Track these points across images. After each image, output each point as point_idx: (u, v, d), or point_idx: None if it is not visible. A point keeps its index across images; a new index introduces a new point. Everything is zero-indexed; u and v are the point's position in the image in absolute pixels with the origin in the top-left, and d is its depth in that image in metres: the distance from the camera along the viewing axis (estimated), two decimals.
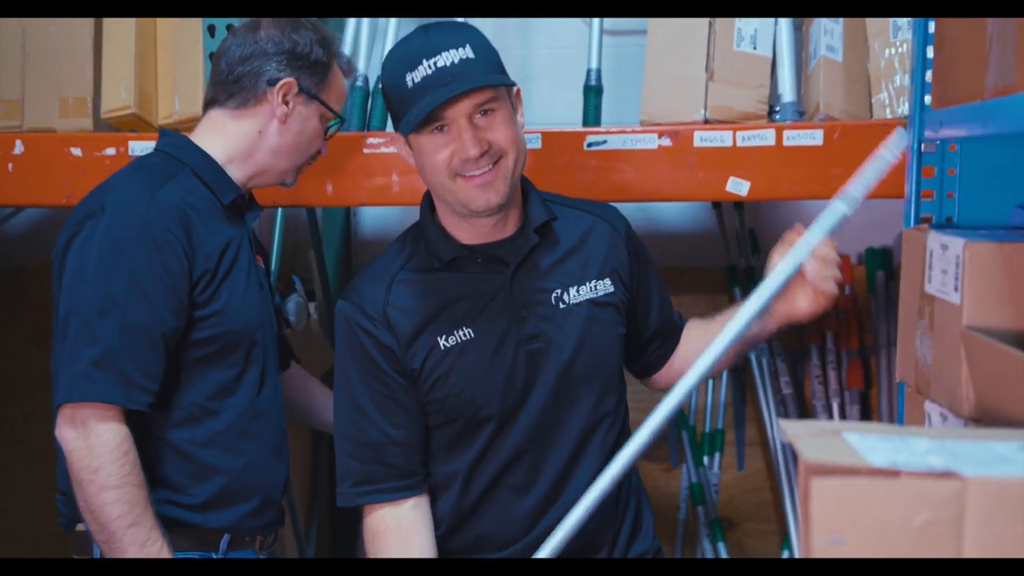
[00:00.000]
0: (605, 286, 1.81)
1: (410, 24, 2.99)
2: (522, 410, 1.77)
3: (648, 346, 1.95)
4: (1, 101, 2.52)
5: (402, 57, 1.67)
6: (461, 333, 1.75)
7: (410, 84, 1.64)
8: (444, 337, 1.75)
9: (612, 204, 1.94)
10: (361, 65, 2.55)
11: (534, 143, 2.28)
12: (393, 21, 2.60)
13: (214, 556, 1.84)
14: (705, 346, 1.49)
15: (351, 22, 2.60)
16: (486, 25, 3.00)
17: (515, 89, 1.74)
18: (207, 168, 1.86)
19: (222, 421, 1.83)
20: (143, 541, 1.68)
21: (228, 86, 1.88)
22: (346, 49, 2.56)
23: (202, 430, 1.82)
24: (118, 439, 1.68)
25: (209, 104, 1.93)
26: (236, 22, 2.28)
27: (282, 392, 2.05)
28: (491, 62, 1.69)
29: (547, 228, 1.79)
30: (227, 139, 1.89)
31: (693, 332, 1.96)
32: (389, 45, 2.57)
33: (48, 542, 2.95)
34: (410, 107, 1.63)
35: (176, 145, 1.89)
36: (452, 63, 1.61)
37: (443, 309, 1.76)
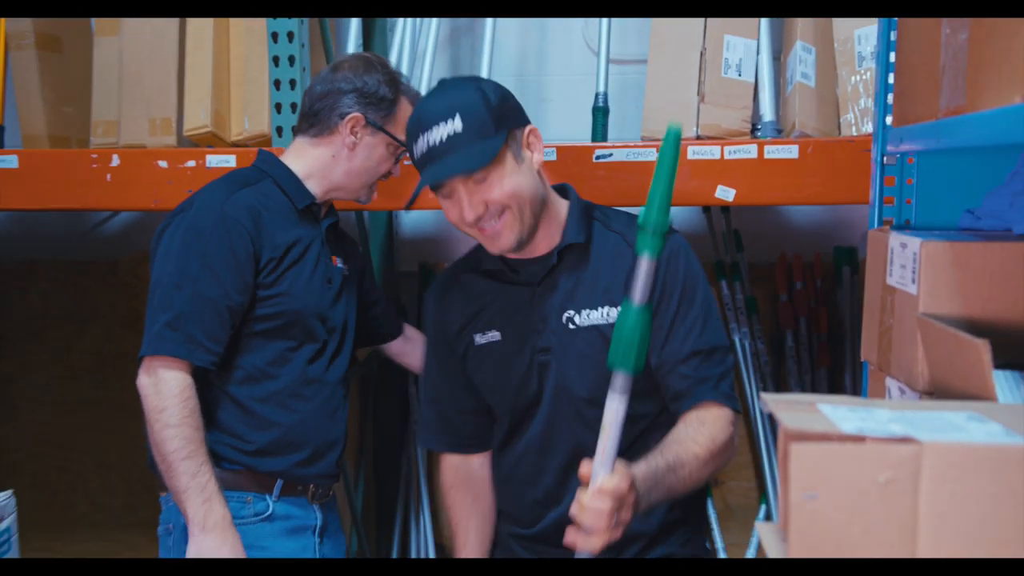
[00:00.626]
0: (613, 315, 1.61)
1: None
2: (534, 413, 1.72)
3: (663, 381, 1.66)
4: (102, 121, 2.55)
5: (410, 126, 1.64)
6: (491, 334, 1.73)
7: (415, 155, 1.61)
8: (479, 335, 1.74)
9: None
10: None
11: (550, 156, 2.28)
12: (431, 49, 2.60)
13: (269, 499, 1.86)
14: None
15: (392, 55, 2.60)
16: (507, 54, 3.04)
17: (526, 130, 1.63)
18: (286, 179, 1.91)
19: (278, 383, 1.87)
20: (194, 472, 1.71)
21: (309, 118, 1.94)
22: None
23: (260, 389, 1.86)
24: (181, 387, 1.74)
25: (296, 132, 2.00)
26: (295, 29, 2.31)
27: (396, 356, 2.31)
28: (480, 129, 1.55)
29: (575, 249, 1.67)
30: (307, 160, 1.94)
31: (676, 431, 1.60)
32: (428, 69, 2.59)
33: (143, 489, 2.99)
34: (420, 174, 1.61)
35: (266, 160, 1.96)
36: (440, 140, 1.54)
37: (481, 310, 1.74)
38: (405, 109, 1.93)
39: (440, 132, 1.53)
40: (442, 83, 1.65)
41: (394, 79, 1.96)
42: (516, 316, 1.70)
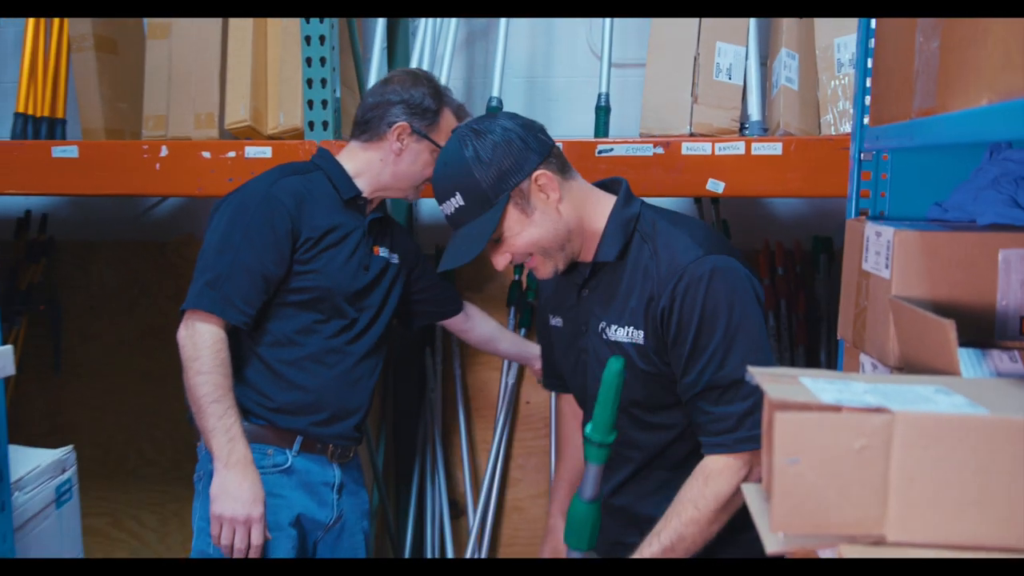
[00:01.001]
0: (636, 336, 1.52)
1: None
2: (584, 396, 1.68)
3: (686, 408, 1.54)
4: (152, 116, 2.55)
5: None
6: (556, 320, 1.72)
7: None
8: (552, 317, 1.73)
9: (691, 266, 1.47)
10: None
11: None
12: (449, 52, 2.58)
13: (289, 453, 1.88)
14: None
15: (413, 57, 2.59)
16: (517, 57, 3.02)
17: (532, 179, 1.51)
18: (337, 173, 1.95)
19: (303, 350, 1.89)
20: (220, 414, 1.74)
21: (362, 125, 1.97)
22: None
23: (286, 352, 1.88)
24: (214, 339, 1.77)
25: (351, 136, 2.02)
26: (326, 33, 2.30)
27: (459, 333, 2.36)
28: (480, 201, 1.49)
29: (606, 265, 1.57)
30: (357, 162, 1.97)
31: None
32: (447, 69, 2.58)
33: (186, 447, 3.00)
34: None
35: (322, 156, 2.00)
36: (451, 213, 1.53)
37: (554, 295, 1.73)
38: (448, 119, 1.96)
39: (448, 208, 1.53)
40: (447, 144, 1.57)
41: (438, 92, 1.98)
42: (570, 308, 1.66)
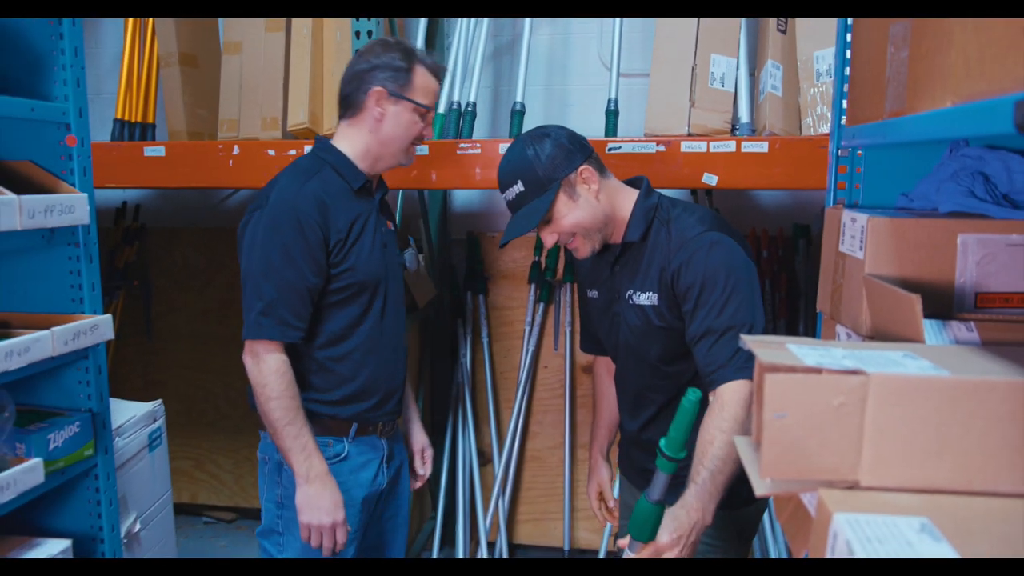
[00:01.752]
0: (652, 299, 1.60)
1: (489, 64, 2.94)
2: (615, 356, 1.75)
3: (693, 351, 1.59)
4: (226, 120, 2.56)
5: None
6: (593, 292, 1.74)
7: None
8: (590, 290, 1.75)
9: (695, 239, 1.55)
10: (456, 94, 2.53)
11: None
12: (479, 63, 2.56)
13: (345, 441, 1.75)
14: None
15: (449, 62, 2.57)
16: (538, 68, 2.99)
17: (577, 173, 1.57)
18: (342, 164, 1.74)
19: (352, 343, 1.73)
20: (295, 435, 1.63)
21: (344, 102, 1.77)
22: (445, 81, 2.54)
23: (337, 350, 1.73)
24: (278, 364, 1.63)
25: (339, 117, 1.82)
26: (373, 28, 2.30)
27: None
28: (537, 188, 1.55)
29: (633, 244, 1.63)
30: (351, 141, 1.75)
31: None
32: (477, 78, 2.56)
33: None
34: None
35: (323, 148, 1.77)
36: (511, 199, 1.57)
37: (590, 272, 1.74)
38: (422, 76, 1.74)
39: (510, 194, 1.57)
40: (512, 146, 1.60)
41: (409, 52, 1.75)
42: (605, 281, 1.70)
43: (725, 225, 1.61)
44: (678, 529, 1.39)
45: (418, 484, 1.98)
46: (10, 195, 1.36)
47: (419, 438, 2.00)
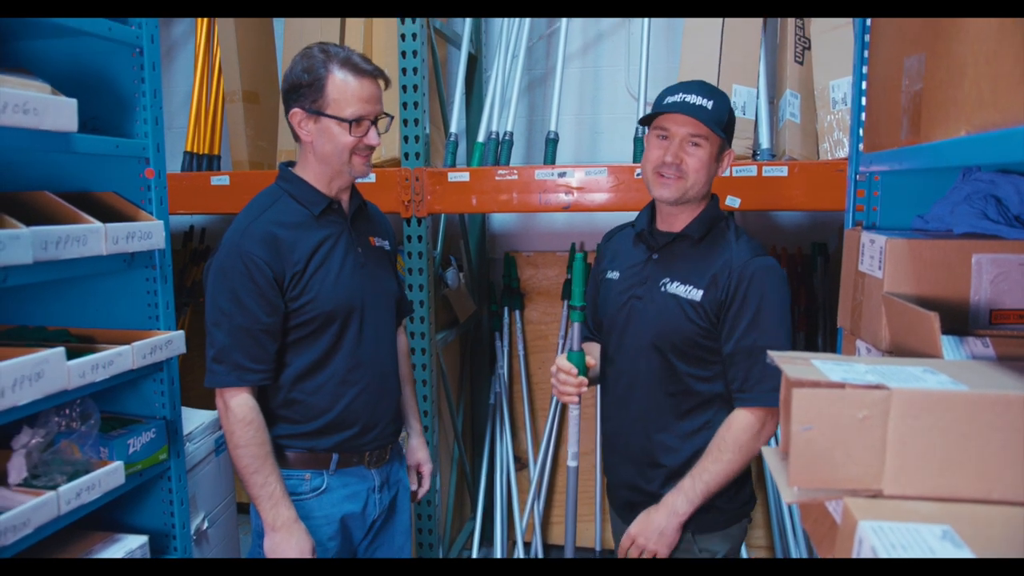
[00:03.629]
0: (694, 294, 1.54)
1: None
2: (615, 340, 1.65)
3: (727, 369, 1.56)
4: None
5: (672, 87, 1.55)
6: (614, 274, 1.66)
7: (663, 100, 1.53)
8: (610, 271, 1.67)
9: (763, 260, 1.54)
10: (495, 124, 2.55)
11: (601, 173, 2.27)
12: (515, 96, 2.59)
13: (326, 474, 1.60)
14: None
15: (487, 101, 2.60)
16: (570, 100, 3.01)
17: (728, 151, 1.56)
18: (299, 190, 1.56)
19: (325, 375, 1.57)
20: (262, 483, 1.50)
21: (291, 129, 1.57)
22: (484, 112, 2.58)
23: (310, 383, 1.57)
24: (244, 412, 1.49)
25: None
26: (418, 31, 2.31)
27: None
28: (719, 121, 1.50)
29: (688, 239, 1.58)
30: (304, 164, 1.57)
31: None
32: (513, 109, 2.58)
33: None
34: (654, 108, 1.54)
35: (282, 175, 1.59)
36: (694, 103, 1.48)
37: (617, 256, 1.68)
38: (335, 83, 1.48)
39: (697, 99, 1.49)
40: (714, 86, 1.57)
41: (321, 60, 1.49)
42: (634, 265, 1.63)
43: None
44: (643, 530, 1.54)
45: (415, 500, 1.84)
46: (97, 223, 1.41)
47: (415, 455, 1.84)
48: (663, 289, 1.57)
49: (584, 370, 1.57)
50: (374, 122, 1.52)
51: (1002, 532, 0.71)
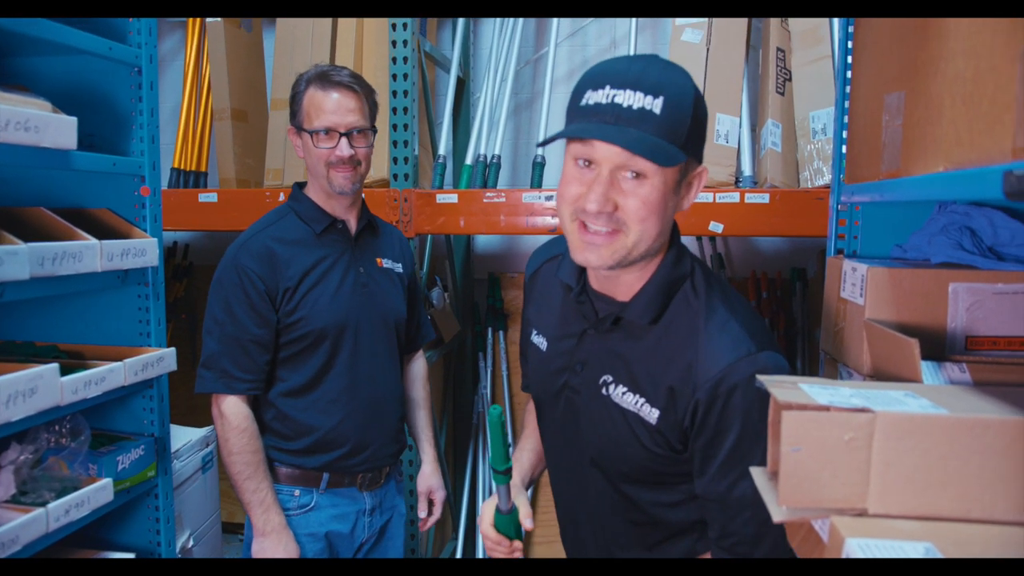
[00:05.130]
0: (649, 413, 1.05)
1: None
2: (555, 444, 1.25)
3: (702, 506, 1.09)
4: (272, 169, 2.62)
5: (597, 72, 0.99)
6: (541, 339, 1.21)
7: (583, 99, 0.98)
8: (535, 333, 1.23)
9: (740, 364, 1.00)
10: (483, 147, 2.59)
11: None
12: (503, 118, 2.63)
13: (315, 492, 1.61)
14: None
15: (475, 123, 2.64)
16: (557, 123, 3.03)
17: (698, 169, 1.04)
18: (305, 209, 1.60)
19: (318, 393, 1.59)
20: (254, 489, 1.54)
21: None
22: (472, 135, 2.61)
23: (302, 401, 1.58)
24: (239, 420, 1.54)
25: None
26: (408, 38, 2.33)
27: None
28: (674, 130, 0.95)
29: (645, 328, 1.07)
30: (308, 183, 1.64)
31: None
32: (501, 131, 2.62)
33: None
34: (569, 123, 1.01)
35: (292, 194, 1.65)
36: (630, 107, 0.94)
37: (543, 308, 1.22)
38: (309, 98, 1.54)
39: (635, 100, 0.94)
40: (667, 61, 0.99)
41: (304, 79, 1.56)
42: (565, 337, 1.15)
43: (766, 330, 1.07)
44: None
45: (423, 527, 1.82)
46: (93, 240, 1.42)
47: (427, 481, 1.80)
48: (604, 392, 1.09)
49: (518, 534, 1.22)
50: (348, 135, 1.53)
51: (980, 550, 0.75)
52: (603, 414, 1.09)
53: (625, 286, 1.07)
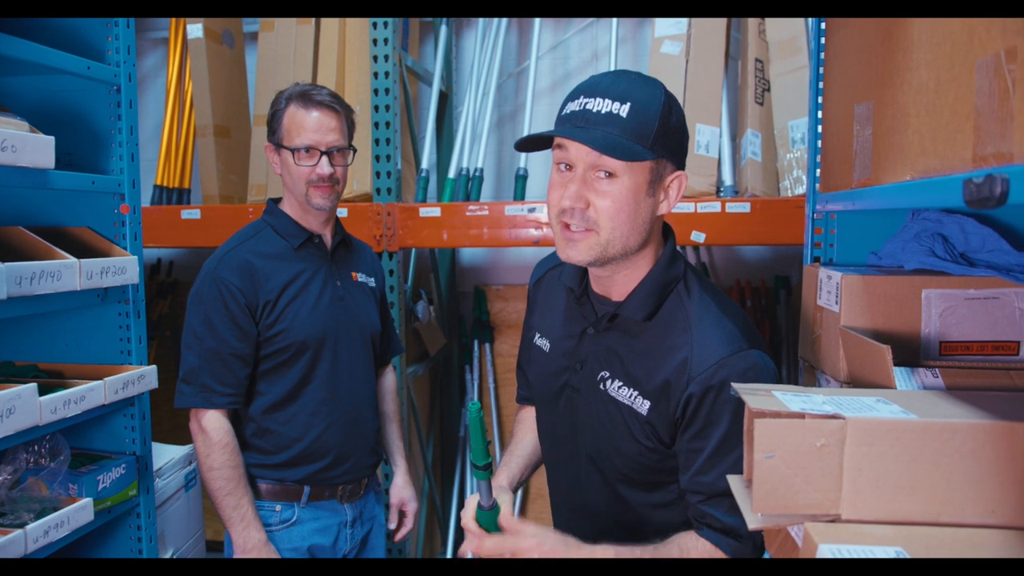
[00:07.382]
0: (641, 405, 1.11)
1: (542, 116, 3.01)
2: (554, 439, 1.29)
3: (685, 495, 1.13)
4: (255, 185, 2.62)
5: (577, 87, 1.08)
6: (544, 342, 1.28)
7: (562, 113, 1.08)
8: (539, 336, 1.30)
9: (730, 360, 1.04)
10: (465, 160, 2.60)
11: None
12: (486, 131, 2.65)
13: (296, 506, 1.61)
14: None
15: (457, 137, 2.65)
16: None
17: (676, 173, 1.08)
18: (281, 223, 1.62)
19: (298, 405, 1.59)
20: (234, 505, 1.53)
21: None
22: (455, 148, 2.63)
23: (282, 414, 1.59)
24: (219, 435, 1.53)
25: None
26: (390, 36, 2.35)
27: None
28: (640, 131, 1.02)
29: (634, 321, 1.13)
30: (284, 199, 1.65)
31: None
32: (483, 145, 2.64)
33: None
34: (557, 124, 1.09)
35: (269, 211, 1.66)
36: (598, 112, 1.03)
37: (548, 313, 1.29)
38: (289, 115, 1.57)
39: (603, 106, 1.03)
40: (641, 74, 1.08)
41: (284, 96, 1.59)
42: (567, 338, 1.22)
43: (756, 331, 1.13)
44: (543, 541, 1.09)
45: (396, 539, 1.82)
46: (72, 259, 1.42)
47: (400, 493, 1.81)
48: (602, 387, 1.15)
49: (500, 531, 1.18)
50: (328, 153, 1.57)
51: (949, 552, 0.76)
52: (599, 408, 1.15)
53: (620, 286, 1.14)
